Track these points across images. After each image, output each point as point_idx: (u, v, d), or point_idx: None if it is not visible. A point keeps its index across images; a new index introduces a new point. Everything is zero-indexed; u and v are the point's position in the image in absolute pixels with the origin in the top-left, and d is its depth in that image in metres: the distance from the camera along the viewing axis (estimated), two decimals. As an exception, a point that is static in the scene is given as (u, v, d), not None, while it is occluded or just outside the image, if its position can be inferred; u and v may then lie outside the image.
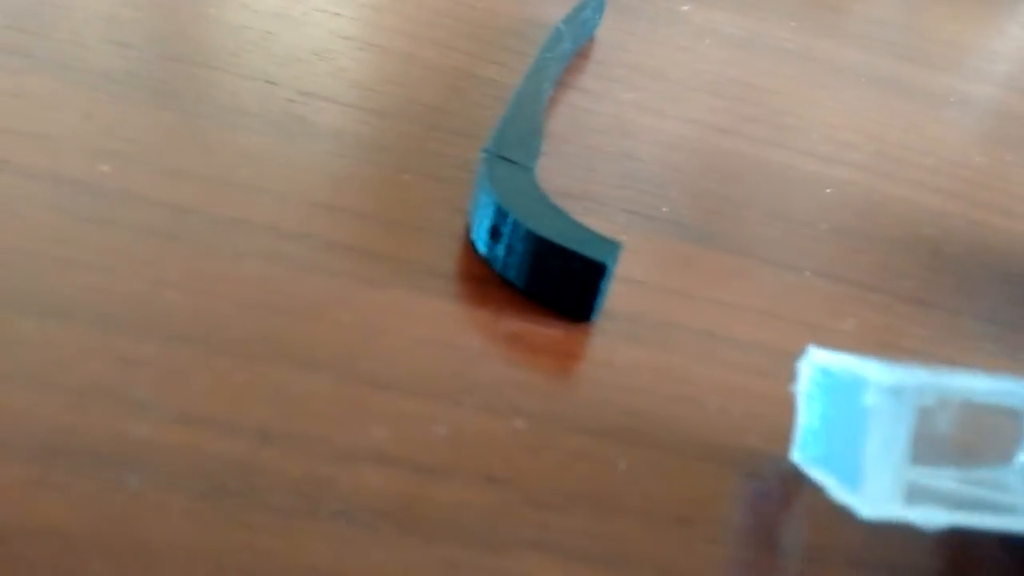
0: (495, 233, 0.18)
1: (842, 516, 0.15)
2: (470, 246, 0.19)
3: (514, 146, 0.19)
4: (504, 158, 0.19)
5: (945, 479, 0.14)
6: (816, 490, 0.15)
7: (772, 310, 0.19)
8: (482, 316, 0.17)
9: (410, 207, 0.19)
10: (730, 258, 0.21)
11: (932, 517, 0.13)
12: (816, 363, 0.15)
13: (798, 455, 0.15)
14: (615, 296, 0.18)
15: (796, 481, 0.15)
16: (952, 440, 0.15)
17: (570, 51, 0.27)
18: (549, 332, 0.17)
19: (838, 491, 0.14)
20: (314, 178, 0.20)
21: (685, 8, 0.35)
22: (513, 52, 0.28)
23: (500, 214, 0.17)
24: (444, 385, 0.15)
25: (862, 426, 0.13)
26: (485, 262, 0.18)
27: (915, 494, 0.13)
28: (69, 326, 0.14)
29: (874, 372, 0.13)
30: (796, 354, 0.18)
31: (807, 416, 0.15)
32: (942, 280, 0.22)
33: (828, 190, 0.25)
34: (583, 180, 0.22)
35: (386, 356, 0.16)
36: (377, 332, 0.16)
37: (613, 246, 0.17)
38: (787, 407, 0.17)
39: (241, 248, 0.17)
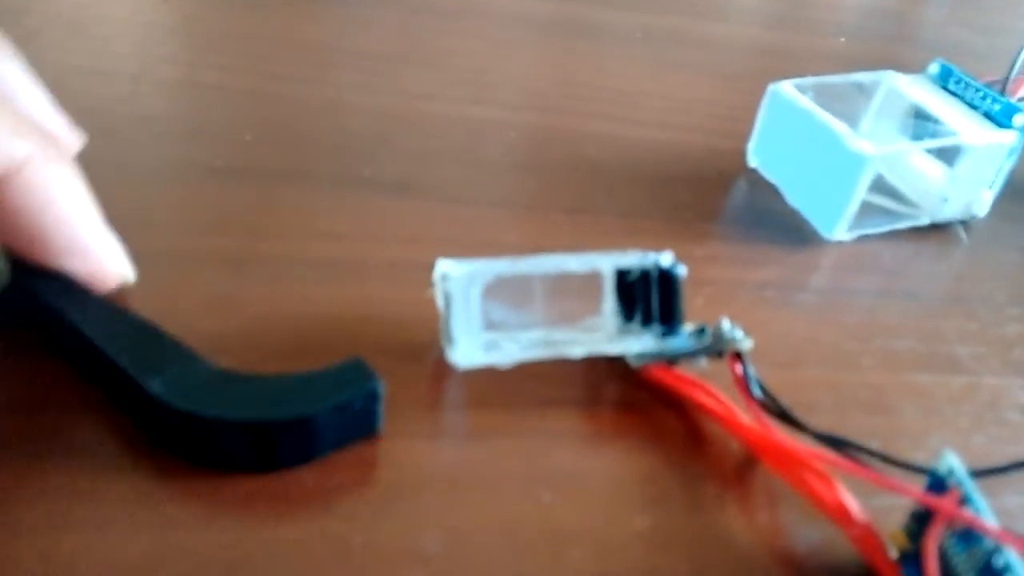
0: None
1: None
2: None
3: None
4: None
5: (537, 333, 0.21)
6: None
7: (449, 237, 0.25)
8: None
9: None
10: (419, 202, 0.26)
11: (509, 356, 0.19)
12: (441, 270, 0.20)
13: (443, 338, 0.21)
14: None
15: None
16: (548, 304, 0.21)
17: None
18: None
19: (449, 353, 0.20)
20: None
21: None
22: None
23: None
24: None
25: (451, 306, 0.19)
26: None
27: (497, 346, 0.19)
28: None
29: (452, 268, 0.19)
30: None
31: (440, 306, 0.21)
32: (594, 191, 0.29)
33: (512, 134, 0.31)
34: (295, 158, 0.27)
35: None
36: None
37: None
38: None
39: None
